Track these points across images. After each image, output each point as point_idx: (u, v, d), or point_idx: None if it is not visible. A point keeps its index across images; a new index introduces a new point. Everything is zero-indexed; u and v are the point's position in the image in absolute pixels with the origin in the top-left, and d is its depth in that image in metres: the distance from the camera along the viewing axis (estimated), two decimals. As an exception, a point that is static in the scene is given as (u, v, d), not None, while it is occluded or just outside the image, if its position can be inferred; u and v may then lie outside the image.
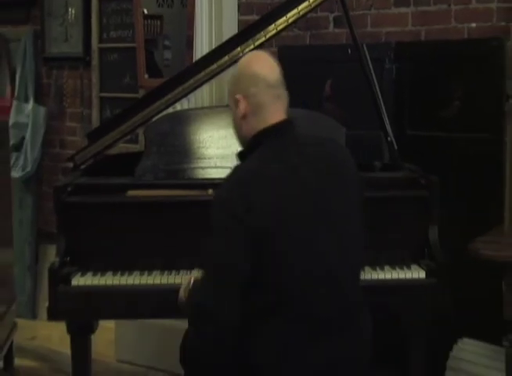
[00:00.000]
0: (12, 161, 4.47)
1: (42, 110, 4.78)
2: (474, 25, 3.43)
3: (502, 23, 3.36)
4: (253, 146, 2.27)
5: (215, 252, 2.13)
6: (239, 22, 3.90)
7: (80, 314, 2.70)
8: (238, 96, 2.27)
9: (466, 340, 3.33)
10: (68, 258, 2.71)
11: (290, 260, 2.13)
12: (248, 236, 2.08)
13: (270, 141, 2.25)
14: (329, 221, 2.18)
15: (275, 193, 2.14)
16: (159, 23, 4.40)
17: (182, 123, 2.99)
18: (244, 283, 2.10)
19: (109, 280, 2.66)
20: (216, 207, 2.15)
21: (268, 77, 2.30)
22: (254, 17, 3.51)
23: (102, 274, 2.68)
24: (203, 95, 3.72)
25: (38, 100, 4.81)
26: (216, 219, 2.13)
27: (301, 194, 2.17)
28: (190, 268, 2.62)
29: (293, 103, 2.37)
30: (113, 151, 3.15)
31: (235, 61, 3.08)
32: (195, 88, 3.13)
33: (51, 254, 3.40)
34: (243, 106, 2.28)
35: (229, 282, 2.11)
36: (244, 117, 2.29)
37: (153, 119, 3.06)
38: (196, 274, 2.40)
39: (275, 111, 2.28)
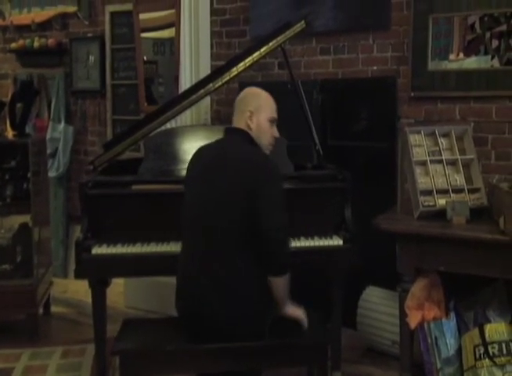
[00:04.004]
0: (49, 165, 4.39)
1: (70, 128, 4.69)
2: (375, 68, 3.45)
3: (395, 67, 3.38)
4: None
5: None
6: (212, 66, 3.89)
7: (98, 274, 2.66)
8: None
9: (371, 287, 3.34)
10: (89, 234, 2.66)
11: (186, 203, 2.35)
12: (185, 185, 2.42)
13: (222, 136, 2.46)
14: (213, 190, 2.27)
15: (196, 164, 2.39)
16: (155, 66, 4.36)
17: (171, 137, 2.95)
18: None
19: (118, 249, 2.62)
20: None
21: (236, 99, 2.46)
22: (222, 63, 3.46)
23: (114, 245, 2.63)
24: (186, 118, 3.70)
25: (68, 121, 4.71)
26: None
27: (204, 169, 2.33)
28: (177, 240, 2.54)
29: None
30: (122, 157, 3.09)
31: (208, 93, 3.07)
32: (180, 112, 3.09)
33: (77, 231, 3.33)
34: None
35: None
36: None
37: (151, 134, 3.01)
38: None
39: (233, 120, 2.42)
